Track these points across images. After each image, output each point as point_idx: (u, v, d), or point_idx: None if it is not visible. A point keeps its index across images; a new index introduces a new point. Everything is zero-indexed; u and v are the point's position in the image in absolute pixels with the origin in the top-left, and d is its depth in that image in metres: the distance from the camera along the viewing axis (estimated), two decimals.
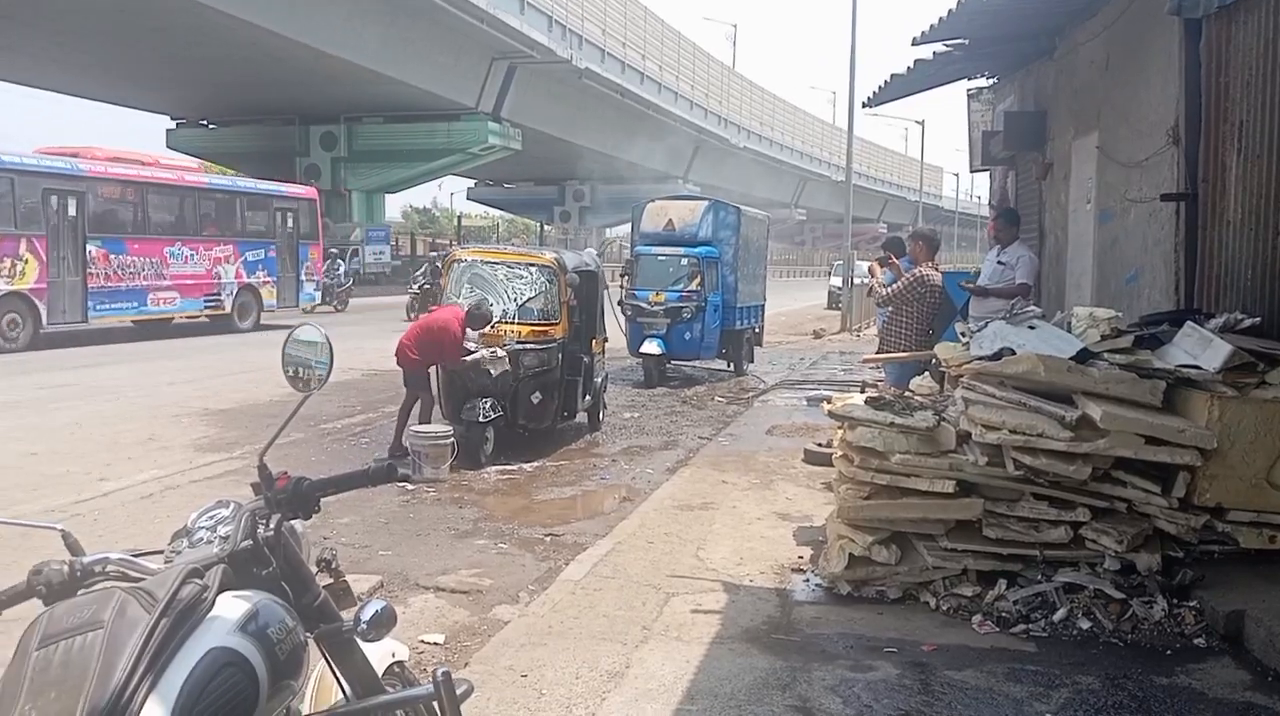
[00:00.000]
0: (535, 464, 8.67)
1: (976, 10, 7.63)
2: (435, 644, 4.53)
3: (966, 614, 4.58)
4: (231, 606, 1.55)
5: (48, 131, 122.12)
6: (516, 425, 8.98)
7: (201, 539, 1.78)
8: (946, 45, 9.10)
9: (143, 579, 1.63)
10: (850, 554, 4.86)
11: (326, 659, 1.90)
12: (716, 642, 4.29)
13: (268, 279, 22.27)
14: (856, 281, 24.23)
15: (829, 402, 5.60)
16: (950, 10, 7.61)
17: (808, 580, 5.20)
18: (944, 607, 4.67)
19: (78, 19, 28.23)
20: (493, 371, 8.60)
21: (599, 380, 10.39)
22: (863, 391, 7.53)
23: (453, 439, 8.01)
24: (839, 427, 5.50)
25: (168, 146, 45.87)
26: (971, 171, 14.57)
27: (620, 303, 14.38)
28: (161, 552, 1.81)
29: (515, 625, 4.59)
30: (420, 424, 8.35)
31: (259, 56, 31.94)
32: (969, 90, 12.70)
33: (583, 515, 7.21)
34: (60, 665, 1.39)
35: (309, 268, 23.76)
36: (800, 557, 5.56)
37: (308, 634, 1.73)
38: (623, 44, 43.79)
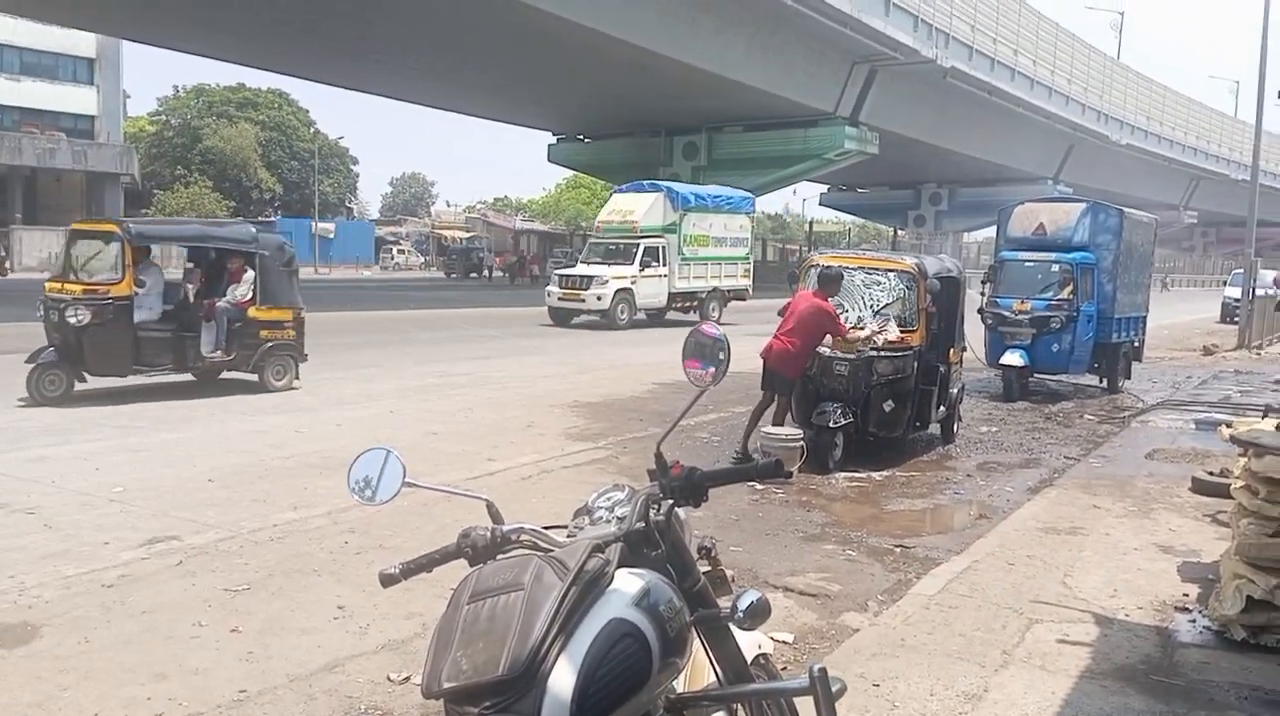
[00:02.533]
0: (884, 473, 8.52)
1: None
2: (785, 642, 4.59)
3: None
4: (628, 582, 1.68)
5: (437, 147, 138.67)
6: (867, 432, 8.86)
7: (601, 517, 1.94)
8: None
9: (551, 549, 1.81)
10: (1249, 596, 4.33)
11: (703, 642, 1.98)
12: (1086, 677, 3.99)
13: None
14: (1259, 292, 21.43)
15: (1228, 427, 5.03)
16: None
17: (1194, 620, 4.70)
18: None
19: (481, 47, 31.61)
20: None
21: (955, 391, 10.00)
22: (1266, 416, 6.67)
23: (803, 442, 8.08)
24: (1240, 455, 4.91)
25: (549, 160, 50.16)
26: None
27: (980, 311, 13.74)
28: (565, 527, 2.00)
29: (866, 633, 4.55)
30: (772, 426, 8.48)
31: (632, 73, 33.98)
32: None
33: (933, 529, 6.98)
34: (487, 619, 1.58)
35: None
36: (1185, 595, 5.04)
37: (690, 616, 1.83)
38: (993, 39, 41.75)
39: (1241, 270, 25.11)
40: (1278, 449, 4.41)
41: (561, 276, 23.94)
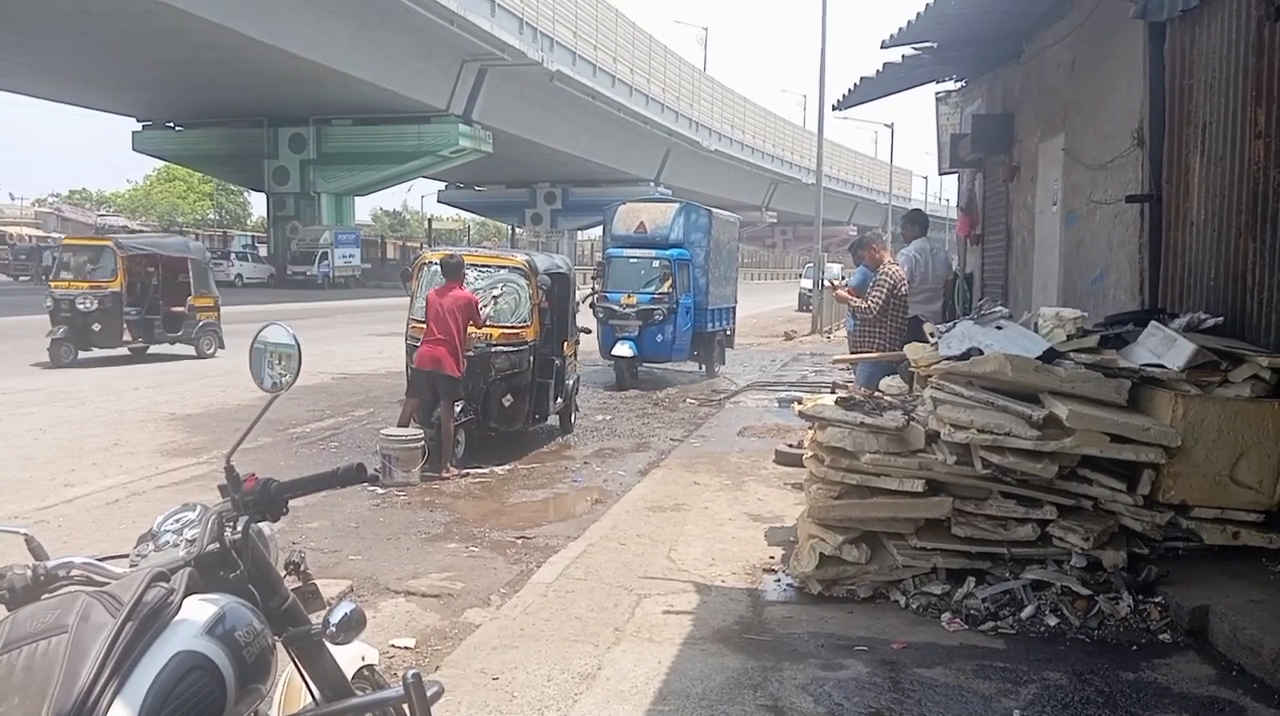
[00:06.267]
0: (507, 467, 8.65)
1: (945, 14, 7.70)
2: (406, 648, 4.51)
3: (936, 612, 4.61)
4: (198, 610, 1.53)
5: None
6: (488, 428, 8.94)
7: (168, 542, 1.76)
8: (915, 48, 9.17)
9: (107, 583, 1.61)
10: (821, 553, 4.87)
11: (295, 662, 1.88)
12: (688, 643, 4.29)
13: None
14: (826, 283, 24.40)
15: (800, 403, 5.63)
16: (919, 13, 7.67)
17: (779, 580, 5.21)
18: (913, 606, 4.70)
19: (41, 22, 27.87)
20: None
21: (570, 382, 10.38)
22: (833, 392, 7.57)
23: (423, 442, 7.97)
24: (810, 428, 5.52)
25: (134, 149, 45.45)
26: (940, 174, 14.68)
27: (592, 305, 14.37)
28: (126, 557, 1.79)
29: (486, 628, 4.57)
30: (397, 427, 8.28)
31: (226, 58, 31.68)
32: (937, 94, 12.79)
33: (554, 517, 7.19)
34: (24, 670, 1.37)
35: None
36: (771, 558, 5.58)
37: (276, 637, 1.72)
38: (594, 47, 43.82)
39: (812, 263, 28.50)
40: (837, 421, 5.00)
41: None
